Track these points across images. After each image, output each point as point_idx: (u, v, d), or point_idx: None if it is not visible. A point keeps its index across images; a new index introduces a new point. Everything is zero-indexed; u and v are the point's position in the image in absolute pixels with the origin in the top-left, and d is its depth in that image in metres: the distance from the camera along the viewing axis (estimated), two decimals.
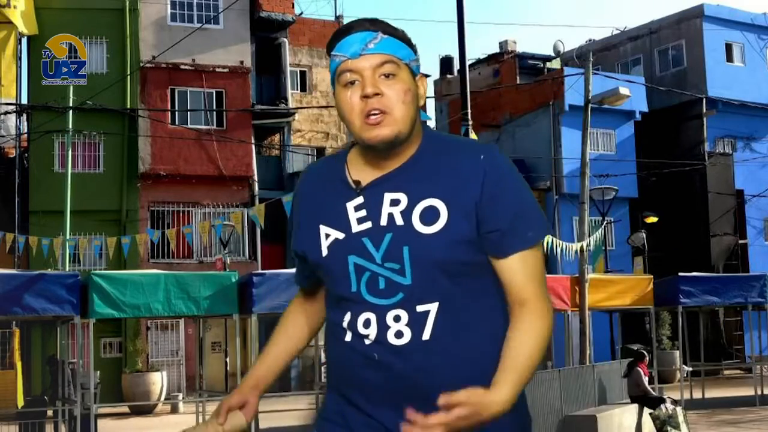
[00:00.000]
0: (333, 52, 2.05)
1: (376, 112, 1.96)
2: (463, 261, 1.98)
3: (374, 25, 2.01)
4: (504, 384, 1.89)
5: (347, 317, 2.02)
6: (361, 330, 1.99)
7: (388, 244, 1.97)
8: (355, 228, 2.02)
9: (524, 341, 1.95)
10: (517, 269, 2.00)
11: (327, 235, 2.05)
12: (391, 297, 1.97)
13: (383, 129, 1.96)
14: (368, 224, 2.00)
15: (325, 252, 2.04)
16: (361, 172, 2.05)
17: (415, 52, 2.04)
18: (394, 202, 2.00)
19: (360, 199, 2.03)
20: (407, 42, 2.03)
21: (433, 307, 1.96)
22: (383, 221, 1.99)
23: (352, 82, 1.99)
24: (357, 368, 2.01)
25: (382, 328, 1.97)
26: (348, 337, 2.02)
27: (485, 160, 2.00)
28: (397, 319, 1.96)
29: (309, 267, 2.15)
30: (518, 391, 1.91)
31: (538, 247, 2.02)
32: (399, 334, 1.96)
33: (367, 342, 1.99)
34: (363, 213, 2.02)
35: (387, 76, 1.97)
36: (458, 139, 2.13)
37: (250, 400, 2.19)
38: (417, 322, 1.96)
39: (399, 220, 1.98)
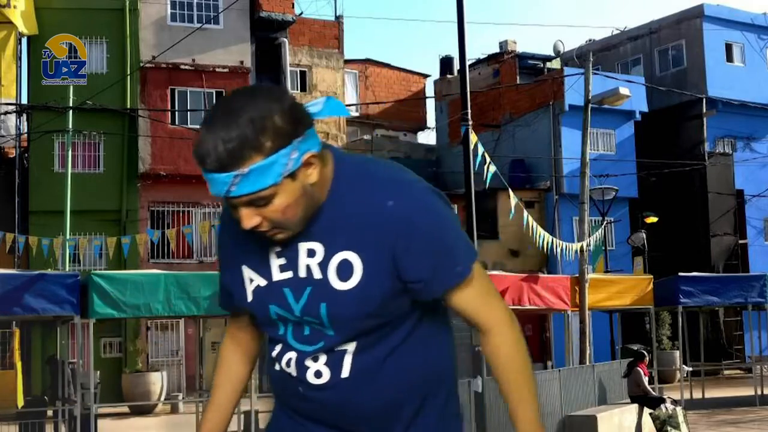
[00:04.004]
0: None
1: (266, 229, 1.87)
2: (381, 312, 1.94)
3: (228, 146, 1.74)
4: (526, 411, 2.01)
5: (275, 351, 2.03)
6: (284, 367, 2.01)
7: (307, 298, 1.93)
8: (276, 276, 1.96)
9: (509, 368, 2.00)
10: (463, 302, 1.98)
11: (251, 279, 1.99)
12: (315, 344, 1.96)
13: (278, 236, 1.89)
14: (289, 273, 1.95)
15: (250, 297, 2.00)
16: None
17: (297, 129, 1.79)
18: (311, 253, 1.92)
19: (278, 246, 1.94)
20: (280, 137, 1.77)
21: (350, 347, 1.96)
22: (302, 272, 1.93)
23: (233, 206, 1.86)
24: (289, 395, 2.04)
25: (302, 368, 1.97)
26: (277, 367, 2.04)
27: (395, 206, 1.88)
28: (315, 359, 1.97)
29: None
30: (536, 407, 2.02)
31: (473, 272, 1.96)
32: (318, 374, 1.97)
33: (291, 378, 2.01)
34: (283, 261, 1.95)
35: (259, 205, 1.82)
36: (371, 175, 1.94)
37: None
38: (335, 362, 1.96)
39: (317, 273, 1.92)
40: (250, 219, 1.83)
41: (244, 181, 1.76)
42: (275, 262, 1.96)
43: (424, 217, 1.90)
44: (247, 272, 2.00)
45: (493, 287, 2.02)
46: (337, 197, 1.91)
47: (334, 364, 1.96)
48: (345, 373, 1.95)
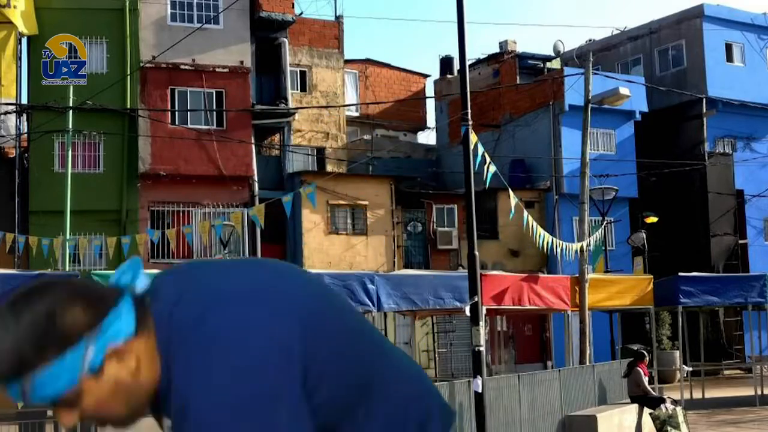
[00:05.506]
0: None
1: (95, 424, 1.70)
2: None
3: (2, 356, 1.54)
4: None
5: None
6: None
7: None
8: None
9: None
10: None
11: None
12: None
13: (115, 427, 1.72)
14: None
15: None
16: None
17: (86, 324, 1.57)
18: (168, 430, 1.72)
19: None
20: (62, 339, 1.54)
21: None
22: None
23: None
24: None
25: None
26: None
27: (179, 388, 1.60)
28: None
29: None
30: None
31: None
32: None
33: None
34: None
35: (70, 405, 1.62)
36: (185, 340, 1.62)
37: None
38: None
39: None
40: (65, 418, 1.64)
41: (34, 389, 1.57)
42: None
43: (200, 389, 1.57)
44: None
45: None
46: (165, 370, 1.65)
47: None
48: None
